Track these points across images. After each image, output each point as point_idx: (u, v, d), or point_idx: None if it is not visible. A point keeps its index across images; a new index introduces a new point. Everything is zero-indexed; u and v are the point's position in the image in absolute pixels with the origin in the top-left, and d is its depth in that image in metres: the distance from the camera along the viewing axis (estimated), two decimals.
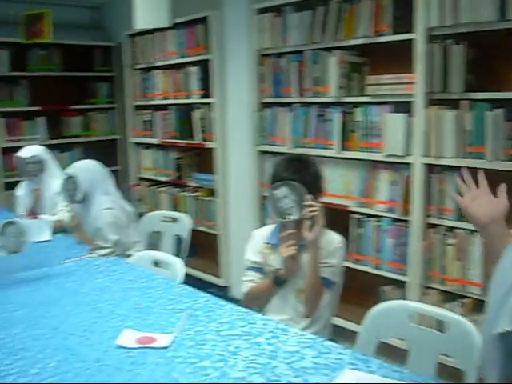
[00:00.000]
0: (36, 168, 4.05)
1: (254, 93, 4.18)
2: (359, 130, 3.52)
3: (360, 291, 3.48)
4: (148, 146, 5.56)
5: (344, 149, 3.59)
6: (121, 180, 5.85)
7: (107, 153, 5.87)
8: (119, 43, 5.78)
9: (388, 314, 2.15)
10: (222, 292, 4.53)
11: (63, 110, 5.77)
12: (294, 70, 3.84)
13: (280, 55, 3.96)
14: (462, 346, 1.90)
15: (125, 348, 1.88)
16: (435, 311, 2.14)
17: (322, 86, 3.68)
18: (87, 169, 3.48)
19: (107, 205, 3.39)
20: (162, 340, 1.92)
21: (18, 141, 5.27)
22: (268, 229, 2.64)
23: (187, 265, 4.24)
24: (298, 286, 2.42)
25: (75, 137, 5.86)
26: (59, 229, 3.57)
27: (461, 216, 3.03)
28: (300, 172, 2.40)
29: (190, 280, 2.80)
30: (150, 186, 5.58)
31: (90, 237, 3.34)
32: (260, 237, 2.61)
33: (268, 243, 2.55)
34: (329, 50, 3.60)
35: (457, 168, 3.03)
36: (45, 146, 4.31)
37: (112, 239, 3.30)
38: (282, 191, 2.35)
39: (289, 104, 3.94)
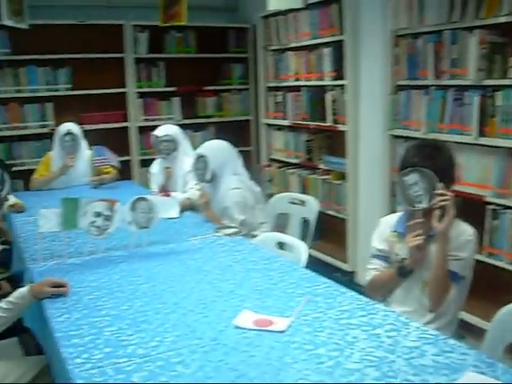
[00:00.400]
0: (169, 147, 4.18)
1: (388, 75, 4.03)
2: (499, 116, 3.29)
3: (492, 287, 3.28)
4: (279, 128, 5.57)
5: (482, 135, 3.38)
6: (252, 161, 5.94)
7: (240, 133, 5.98)
8: (253, 25, 5.83)
9: None
10: (347, 277, 4.48)
11: (198, 91, 5.92)
12: (430, 51, 3.65)
13: (416, 36, 3.78)
14: None
15: (242, 329, 1.89)
16: None
17: (460, 67, 3.47)
18: (217, 149, 3.55)
19: (235, 185, 3.44)
20: (279, 324, 1.91)
21: (154, 120, 5.51)
22: (396, 216, 2.55)
23: (315, 248, 4.26)
24: (423, 277, 2.32)
25: (209, 117, 5.99)
26: (188, 206, 3.67)
27: None
28: (432, 158, 2.28)
29: (316, 263, 2.76)
30: (280, 167, 5.59)
31: (217, 215, 3.41)
32: (387, 224, 2.53)
33: (395, 231, 2.46)
34: (469, 29, 3.38)
35: None
36: (179, 125, 4.45)
37: (238, 219, 3.34)
38: (412, 178, 2.26)
39: (425, 87, 3.76)
